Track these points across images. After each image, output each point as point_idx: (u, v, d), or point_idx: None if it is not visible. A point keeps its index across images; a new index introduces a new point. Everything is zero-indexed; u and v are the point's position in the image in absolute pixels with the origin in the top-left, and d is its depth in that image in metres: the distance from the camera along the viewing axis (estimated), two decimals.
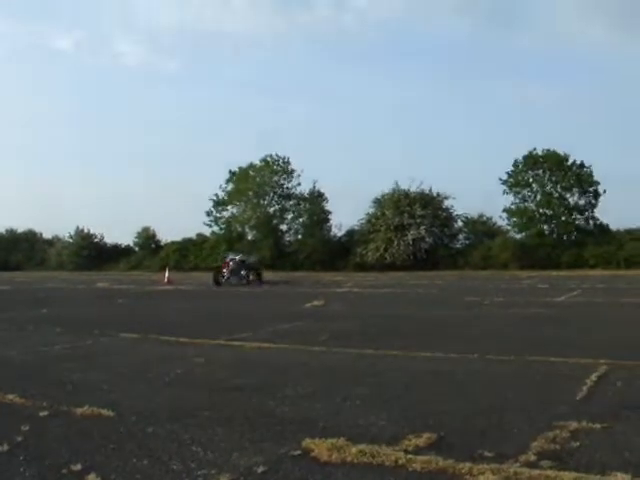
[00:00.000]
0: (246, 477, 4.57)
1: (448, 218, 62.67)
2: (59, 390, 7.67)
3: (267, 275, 37.45)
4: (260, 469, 4.71)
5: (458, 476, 4.46)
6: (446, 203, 62.58)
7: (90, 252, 77.49)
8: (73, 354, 10.55)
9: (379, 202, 62.50)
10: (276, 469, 4.72)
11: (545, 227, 60.13)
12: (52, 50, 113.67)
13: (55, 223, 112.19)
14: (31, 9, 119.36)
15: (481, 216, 64.72)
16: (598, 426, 5.63)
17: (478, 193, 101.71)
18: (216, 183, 73.26)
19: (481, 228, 63.30)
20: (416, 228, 59.05)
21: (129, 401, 7.03)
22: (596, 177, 59.18)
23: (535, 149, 61.39)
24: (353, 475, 4.56)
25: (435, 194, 62.09)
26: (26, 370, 9.17)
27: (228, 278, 33.92)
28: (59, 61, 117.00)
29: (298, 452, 5.08)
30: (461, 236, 64.32)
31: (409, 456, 4.87)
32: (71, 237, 79.97)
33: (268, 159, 68.21)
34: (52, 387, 7.86)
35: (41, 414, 6.50)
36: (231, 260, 34.86)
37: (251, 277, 34.21)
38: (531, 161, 61.33)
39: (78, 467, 4.83)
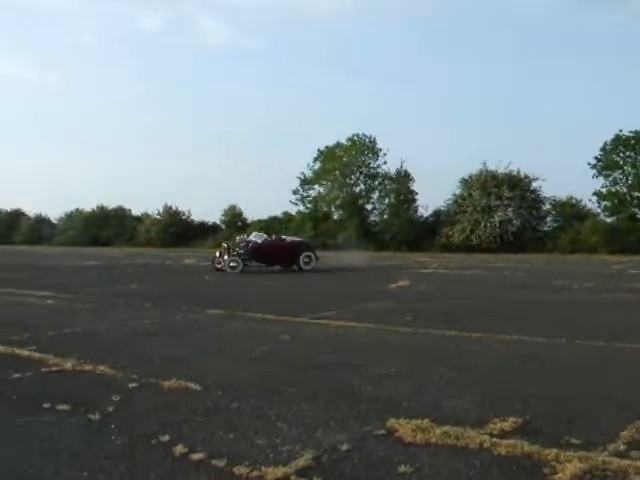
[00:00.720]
0: (330, 454, 4.59)
1: (536, 200, 61.55)
2: (147, 363, 7.84)
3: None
4: (344, 447, 4.73)
5: (544, 462, 4.39)
6: (534, 185, 61.48)
7: (177, 229, 78.79)
8: (161, 329, 10.77)
9: (466, 183, 61.79)
10: (360, 447, 4.73)
11: (637, 211, 58.58)
12: (139, 30, 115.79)
13: (145, 200, 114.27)
14: None
15: (570, 199, 63.33)
16: None
17: (567, 175, 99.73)
18: (303, 162, 73.61)
19: (570, 211, 61.92)
20: (503, 210, 58.24)
21: (215, 376, 7.13)
22: None
23: (621, 130, 59.75)
24: (438, 456, 4.54)
25: (523, 175, 61.05)
26: (116, 343, 9.39)
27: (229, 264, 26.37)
28: (145, 41, 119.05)
29: (382, 431, 5.08)
30: (549, 219, 63.13)
31: (494, 440, 4.82)
32: (159, 214, 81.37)
33: (355, 138, 68.09)
34: (141, 360, 8.04)
35: (130, 385, 6.66)
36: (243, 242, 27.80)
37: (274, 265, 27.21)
38: (620, 142, 59.71)
39: (166, 438, 4.93)
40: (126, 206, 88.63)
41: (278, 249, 26.71)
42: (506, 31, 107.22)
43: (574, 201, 63.40)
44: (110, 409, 5.77)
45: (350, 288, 19.90)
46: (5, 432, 5.20)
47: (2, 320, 11.76)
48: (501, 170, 60.62)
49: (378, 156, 67.98)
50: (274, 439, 4.92)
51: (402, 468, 4.30)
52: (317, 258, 27.30)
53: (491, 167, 61.04)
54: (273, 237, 28.16)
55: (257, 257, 26.77)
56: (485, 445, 4.72)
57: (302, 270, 26.59)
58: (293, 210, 72.62)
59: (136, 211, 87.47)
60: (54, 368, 7.55)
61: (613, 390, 6.56)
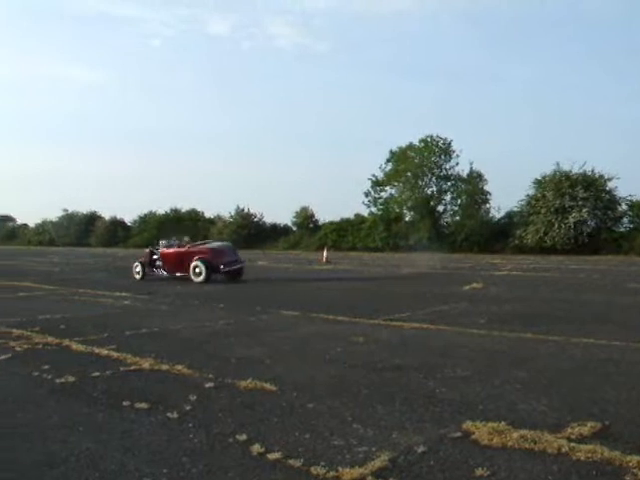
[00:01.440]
0: (406, 456, 4.60)
1: (611, 201, 60.33)
2: (223, 363, 7.94)
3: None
4: (420, 449, 4.73)
5: (625, 469, 4.32)
6: (609, 185, 60.31)
7: (250, 230, 79.50)
8: (236, 329, 10.88)
9: (539, 183, 60.95)
10: (436, 449, 4.73)
11: None
12: (208, 35, 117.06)
13: (217, 203, 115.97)
14: None
15: None
16: None
17: None
18: (376, 164, 73.55)
19: None
20: (578, 211, 57.27)
21: (290, 377, 7.19)
22: None
23: None
24: (515, 460, 4.51)
25: (597, 175, 59.96)
26: (192, 343, 9.54)
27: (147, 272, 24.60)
28: (215, 45, 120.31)
29: (458, 434, 5.07)
30: (626, 219, 61.84)
31: (572, 444, 4.77)
32: (232, 216, 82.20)
33: (428, 139, 67.76)
34: (216, 360, 8.15)
35: (207, 385, 6.76)
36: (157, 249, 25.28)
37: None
38: None
39: (243, 437, 5.00)
40: (199, 209, 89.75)
41: (176, 256, 24.01)
42: (576, 29, 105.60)
43: None
44: (187, 408, 5.87)
45: (423, 290, 19.81)
46: (87, 428, 5.32)
47: (81, 320, 12.02)
48: (575, 170, 59.69)
49: (451, 157, 67.58)
50: (350, 440, 4.95)
51: (479, 471, 4.28)
52: (243, 261, 24.55)
53: (565, 167, 60.15)
54: (184, 243, 24.90)
55: (156, 264, 24.66)
56: (563, 450, 4.67)
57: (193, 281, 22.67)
58: (365, 212, 72.57)
59: (209, 213, 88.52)
60: (132, 367, 7.71)
61: None
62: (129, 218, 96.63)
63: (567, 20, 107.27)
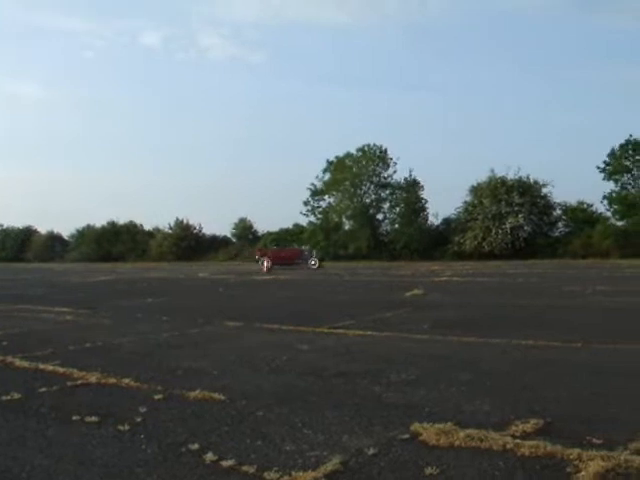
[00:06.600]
0: (357, 458, 4.70)
1: (547, 206, 61.69)
2: (171, 375, 7.95)
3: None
4: (371, 451, 4.83)
5: (567, 461, 4.48)
6: (544, 190, 61.55)
7: (189, 242, 79.23)
8: (181, 341, 10.87)
9: (476, 190, 61.88)
10: (386, 451, 4.83)
11: None
12: (141, 46, 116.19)
13: (156, 215, 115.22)
14: (120, 7, 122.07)
15: (581, 203, 63.48)
16: None
17: (577, 180, 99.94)
18: (313, 174, 73.88)
19: (581, 216, 61.99)
20: (514, 216, 58.35)
21: (238, 386, 7.24)
22: None
23: (631, 135, 59.96)
24: (462, 458, 4.64)
25: (533, 182, 61.14)
26: (138, 356, 9.51)
27: None
28: (148, 57, 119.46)
29: (406, 436, 5.19)
30: (560, 224, 63.21)
31: (517, 441, 4.91)
32: (171, 228, 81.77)
33: (365, 148, 68.28)
34: (164, 372, 8.15)
35: (156, 397, 6.77)
36: None
37: None
38: (629, 147, 59.84)
39: (196, 446, 5.04)
40: (137, 221, 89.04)
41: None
42: (513, 37, 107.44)
43: (585, 206, 63.48)
44: (138, 420, 5.88)
45: (366, 298, 19.97)
46: (38, 443, 5.30)
47: (23, 336, 11.89)
48: (510, 176, 60.77)
49: (388, 166, 68.29)
50: (301, 445, 5.03)
51: (428, 470, 4.40)
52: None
53: (500, 173, 61.18)
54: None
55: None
56: (508, 446, 4.81)
57: None
58: (304, 221, 72.79)
59: (147, 226, 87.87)
60: (79, 382, 7.66)
61: (631, 392, 6.65)
62: (66, 232, 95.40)
63: (500, 28, 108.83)
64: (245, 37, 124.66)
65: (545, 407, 5.97)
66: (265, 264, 41.68)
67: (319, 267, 43.48)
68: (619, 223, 60.04)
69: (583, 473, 4.24)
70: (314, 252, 46.69)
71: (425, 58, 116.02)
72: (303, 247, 48.97)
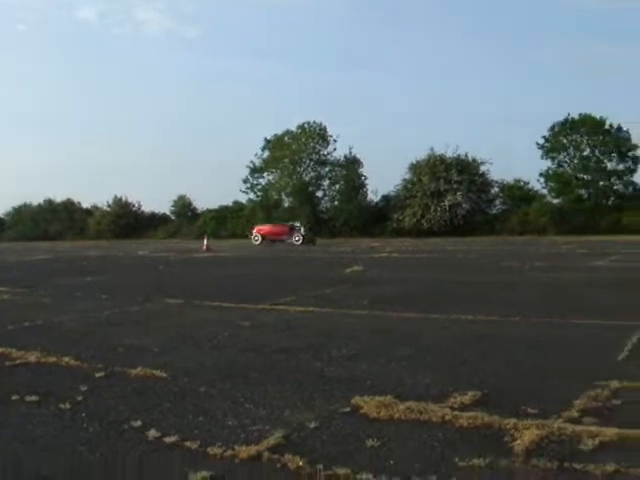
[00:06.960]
0: (299, 432, 4.75)
1: (485, 184, 62.52)
2: (112, 353, 7.90)
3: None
4: (312, 425, 4.89)
5: (504, 431, 4.60)
6: (482, 168, 62.31)
7: (128, 220, 78.44)
8: (121, 319, 10.80)
9: (415, 168, 62.33)
10: (327, 425, 4.89)
11: (583, 192, 59.70)
12: (76, 20, 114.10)
13: (93, 192, 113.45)
14: None
15: (518, 181, 64.50)
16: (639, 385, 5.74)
17: (515, 158, 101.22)
18: (253, 151, 73.65)
19: (518, 193, 62.96)
20: (453, 194, 59.01)
21: (180, 363, 7.23)
22: (635, 141, 58.65)
23: (569, 114, 60.93)
24: (402, 430, 4.72)
25: (471, 159, 61.81)
26: (78, 334, 9.41)
27: None
28: (83, 31, 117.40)
29: (347, 409, 5.25)
30: (498, 201, 64.09)
31: (455, 412, 5.02)
32: (109, 206, 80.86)
33: (305, 126, 68.21)
34: (104, 350, 8.09)
35: (97, 375, 6.72)
36: None
37: None
38: (567, 125, 60.81)
39: (138, 423, 5.03)
40: (75, 199, 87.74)
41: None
42: (455, 13, 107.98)
43: (521, 183, 64.43)
44: (79, 398, 5.84)
45: (306, 274, 20.04)
46: None
47: None
48: (449, 154, 61.34)
49: (328, 143, 68.33)
50: (244, 420, 5.06)
51: (370, 442, 4.47)
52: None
53: (439, 151, 61.69)
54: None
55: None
56: (447, 418, 4.91)
57: None
58: (244, 199, 72.59)
59: (85, 204, 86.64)
60: (18, 361, 7.54)
61: (566, 363, 6.82)
62: (2, 210, 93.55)
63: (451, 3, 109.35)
64: (180, 10, 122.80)
65: (484, 380, 6.10)
66: (205, 242, 41.46)
67: (307, 244, 43.58)
68: (555, 201, 61.19)
69: (519, 442, 4.35)
70: (302, 229, 46.47)
71: (371, 32, 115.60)
72: (293, 223, 48.55)
